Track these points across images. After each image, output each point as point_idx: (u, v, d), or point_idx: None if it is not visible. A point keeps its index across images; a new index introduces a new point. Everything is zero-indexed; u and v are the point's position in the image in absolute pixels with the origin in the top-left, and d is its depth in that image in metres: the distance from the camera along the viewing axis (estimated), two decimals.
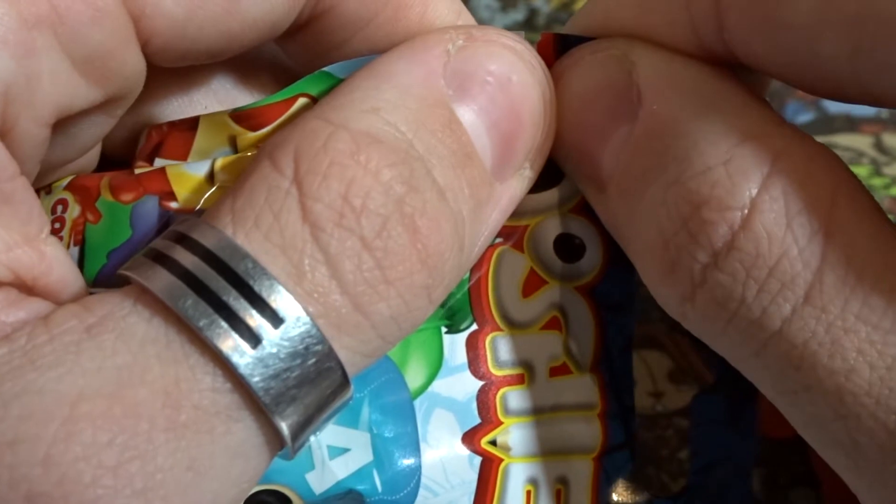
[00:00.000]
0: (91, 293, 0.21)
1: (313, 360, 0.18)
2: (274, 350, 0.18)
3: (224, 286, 0.18)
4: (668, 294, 0.21)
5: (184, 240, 0.19)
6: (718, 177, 0.19)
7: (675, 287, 0.20)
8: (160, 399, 0.17)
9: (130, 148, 0.25)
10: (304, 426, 0.19)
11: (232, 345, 0.17)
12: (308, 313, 0.18)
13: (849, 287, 0.18)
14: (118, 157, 0.25)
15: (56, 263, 0.20)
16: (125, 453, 0.17)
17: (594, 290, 0.24)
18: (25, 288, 0.20)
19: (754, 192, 0.19)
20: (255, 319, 0.18)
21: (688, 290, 0.20)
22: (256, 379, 0.18)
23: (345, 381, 0.19)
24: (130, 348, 0.17)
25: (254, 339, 0.18)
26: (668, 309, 0.21)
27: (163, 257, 0.18)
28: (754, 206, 0.19)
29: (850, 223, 0.19)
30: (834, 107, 0.44)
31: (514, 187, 0.22)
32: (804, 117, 0.43)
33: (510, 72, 0.22)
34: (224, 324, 0.18)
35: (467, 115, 0.21)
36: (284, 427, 0.18)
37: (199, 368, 0.18)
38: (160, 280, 0.18)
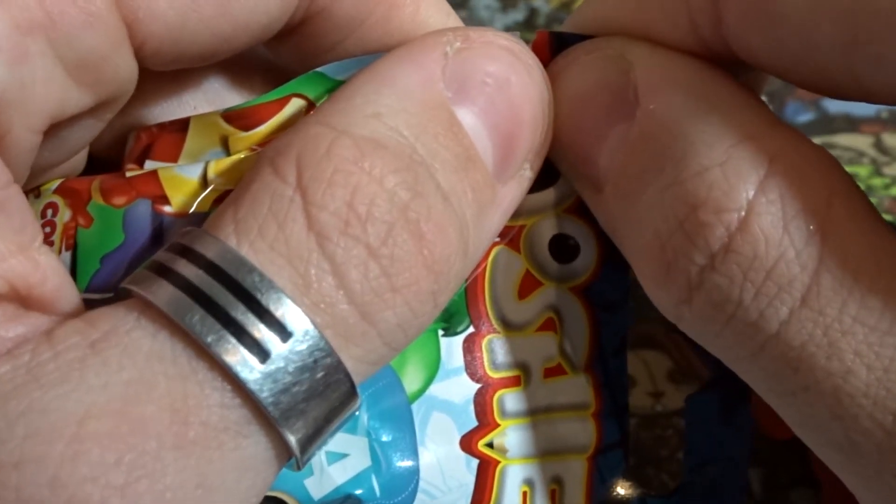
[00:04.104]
0: (84, 299, 0.21)
1: (322, 374, 0.18)
2: (282, 364, 0.17)
3: (231, 300, 0.17)
4: (664, 296, 0.21)
5: (187, 252, 0.18)
6: (715, 178, 0.19)
7: (671, 289, 0.20)
8: (167, 416, 0.17)
9: (118, 149, 0.24)
10: (313, 439, 0.18)
11: (240, 360, 0.17)
12: (315, 325, 0.18)
13: (846, 289, 0.18)
14: (106, 158, 0.25)
15: (50, 273, 0.20)
16: (133, 472, 0.16)
17: (588, 290, 0.24)
18: (20, 298, 0.19)
19: (751, 193, 0.19)
20: (262, 333, 0.17)
21: (684, 293, 0.20)
22: (266, 394, 0.17)
23: (353, 392, 0.19)
24: (136, 364, 0.17)
25: (262, 353, 0.17)
26: (665, 311, 0.21)
27: (166, 270, 0.18)
28: (751, 208, 0.19)
29: (846, 225, 0.19)
30: (834, 107, 0.43)
31: (515, 189, 0.22)
32: (804, 117, 0.43)
33: (508, 73, 0.21)
34: (232, 339, 0.17)
35: (467, 117, 0.21)
36: (294, 441, 0.18)
37: (208, 384, 0.17)
38: (165, 294, 0.18)
